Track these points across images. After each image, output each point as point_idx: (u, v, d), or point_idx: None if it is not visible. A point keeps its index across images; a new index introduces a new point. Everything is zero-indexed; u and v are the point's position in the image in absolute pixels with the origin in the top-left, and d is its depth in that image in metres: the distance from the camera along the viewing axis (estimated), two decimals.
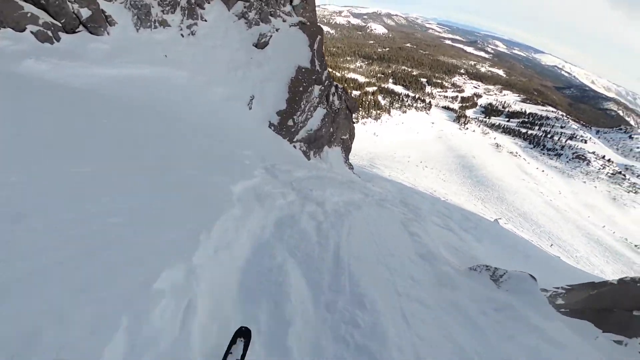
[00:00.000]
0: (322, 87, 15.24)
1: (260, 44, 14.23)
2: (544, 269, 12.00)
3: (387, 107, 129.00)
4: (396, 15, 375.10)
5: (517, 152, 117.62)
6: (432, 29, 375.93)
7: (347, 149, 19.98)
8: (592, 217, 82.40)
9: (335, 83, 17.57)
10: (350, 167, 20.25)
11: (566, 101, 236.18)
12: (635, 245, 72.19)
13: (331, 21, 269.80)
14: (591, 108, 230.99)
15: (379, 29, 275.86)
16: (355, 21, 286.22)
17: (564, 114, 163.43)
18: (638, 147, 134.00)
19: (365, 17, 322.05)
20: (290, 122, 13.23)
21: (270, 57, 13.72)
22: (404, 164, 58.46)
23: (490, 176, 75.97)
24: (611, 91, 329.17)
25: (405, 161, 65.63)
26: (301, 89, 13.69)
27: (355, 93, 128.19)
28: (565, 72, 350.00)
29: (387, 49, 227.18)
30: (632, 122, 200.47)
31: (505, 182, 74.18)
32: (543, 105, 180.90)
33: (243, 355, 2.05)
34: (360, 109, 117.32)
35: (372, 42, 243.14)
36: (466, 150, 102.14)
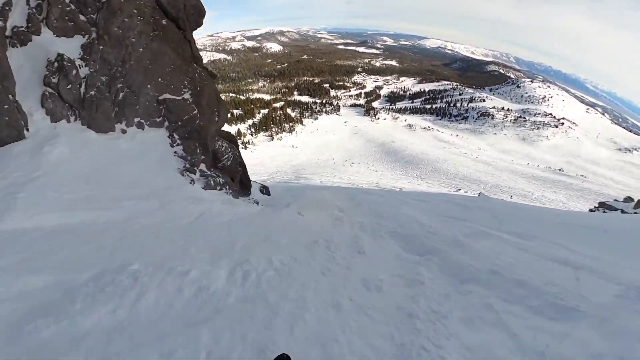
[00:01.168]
0: None
1: None
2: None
3: (298, 117, 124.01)
4: (288, 31, 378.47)
5: (429, 127, 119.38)
6: (324, 37, 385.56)
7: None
8: (514, 160, 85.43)
9: None
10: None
11: (456, 74, 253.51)
12: (559, 169, 77.93)
13: (226, 48, 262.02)
14: (477, 74, 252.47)
15: (274, 47, 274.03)
16: (250, 44, 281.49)
17: (458, 84, 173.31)
18: (526, 93, 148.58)
19: (259, 38, 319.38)
20: None
21: None
22: (332, 167, 52.85)
23: (414, 154, 73.87)
24: (489, 57, 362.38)
25: (331, 164, 60.03)
26: None
27: (264, 111, 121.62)
28: (448, 50, 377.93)
29: (286, 64, 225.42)
30: (512, 76, 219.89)
31: (431, 154, 72.62)
32: (438, 81, 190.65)
33: None
34: (273, 125, 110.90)
35: (270, 60, 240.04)
36: (383, 138, 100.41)
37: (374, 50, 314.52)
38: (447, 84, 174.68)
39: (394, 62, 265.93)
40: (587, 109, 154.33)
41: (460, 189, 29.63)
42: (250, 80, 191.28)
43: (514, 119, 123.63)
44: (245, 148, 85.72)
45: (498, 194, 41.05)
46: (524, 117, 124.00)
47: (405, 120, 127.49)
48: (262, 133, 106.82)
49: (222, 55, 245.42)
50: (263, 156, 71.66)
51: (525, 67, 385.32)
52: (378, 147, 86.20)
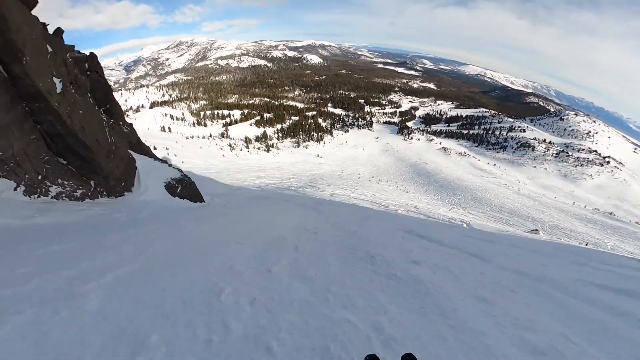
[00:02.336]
0: None
1: None
2: None
3: (329, 128, 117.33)
4: (330, 45, 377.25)
5: (465, 152, 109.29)
6: (364, 55, 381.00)
7: None
8: (557, 197, 74.73)
9: None
10: None
11: (494, 102, 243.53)
12: (610, 213, 66.02)
13: (268, 55, 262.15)
14: (516, 104, 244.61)
15: (314, 59, 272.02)
16: (291, 53, 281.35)
17: (496, 112, 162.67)
18: (570, 126, 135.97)
19: (301, 49, 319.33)
20: None
21: None
22: (355, 181, 45.45)
23: (450, 178, 64.83)
24: (528, 87, 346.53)
25: (355, 178, 52.58)
26: None
27: (295, 118, 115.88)
28: (488, 78, 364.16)
29: (324, 76, 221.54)
30: (551, 109, 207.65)
31: (468, 181, 63.42)
32: (476, 107, 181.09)
33: None
34: (301, 132, 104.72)
35: (308, 71, 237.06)
36: (416, 158, 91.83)
37: (412, 72, 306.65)
38: (485, 111, 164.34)
39: (431, 85, 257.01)
40: (635, 148, 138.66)
41: (537, 230, 21.60)
42: (287, 87, 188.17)
43: (556, 153, 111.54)
44: (268, 151, 79.97)
45: (563, 238, 31.91)
46: (567, 152, 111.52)
47: (440, 143, 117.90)
48: (289, 139, 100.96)
49: (263, 62, 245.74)
50: (284, 161, 65.42)
51: (566, 101, 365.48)
52: (409, 167, 77.90)
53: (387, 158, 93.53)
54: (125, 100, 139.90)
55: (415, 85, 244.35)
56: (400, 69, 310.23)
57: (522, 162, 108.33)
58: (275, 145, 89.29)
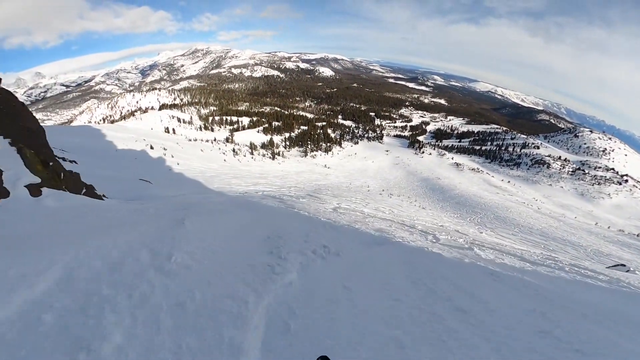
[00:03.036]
0: None
1: None
2: None
3: (338, 139, 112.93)
4: (342, 59, 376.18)
5: (478, 169, 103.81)
6: (376, 69, 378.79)
7: None
8: (577, 217, 68.87)
9: None
10: None
11: (505, 119, 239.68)
12: (637, 235, 59.83)
13: (281, 66, 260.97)
14: (527, 121, 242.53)
15: (326, 71, 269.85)
16: (304, 65, 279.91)
17: (508, 129, 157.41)
18: (585, 144, 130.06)
19: (313, 62, 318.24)
20: None
21: None
22: (364, 194, 40.48)
23: (466, 195, 59.43)
24: (539, 105, 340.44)
25: (365, 190, 47.70)
26: None
27: (304, 128, 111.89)
28: (499, 95, 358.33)
29: (335, 89, 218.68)
30: (563, 127, 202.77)
31: (485, 198, 58.05)
32: (487, 124, 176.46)
33: None
34: (310, 142, 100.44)
35: (320, 84, 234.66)
36: (427, 173, 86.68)
37: (423, 87, 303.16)
38: (497, 128, 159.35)
39: (442, 101, 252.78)
40: None
41: (628, 267, 16.36)
42: (298, 98, 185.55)
43: (572, 171, 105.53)
44: (274, 159, 75.62)
45: (617, 268, 26.37)
46: (583, 170, 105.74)
47: (452, 158, 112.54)
48: (296, 148, 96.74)
49: (276, 72, 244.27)
50: (289, 170, 60.95)
51: (577, 119, 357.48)
52: (421, 182, 72.72)
53: (397, 172, 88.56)
54: (137, 102, 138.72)
55: (426, 101, 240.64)
56: (411, 84, 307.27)
57: (536, 179, 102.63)
58: (281, 153, 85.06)
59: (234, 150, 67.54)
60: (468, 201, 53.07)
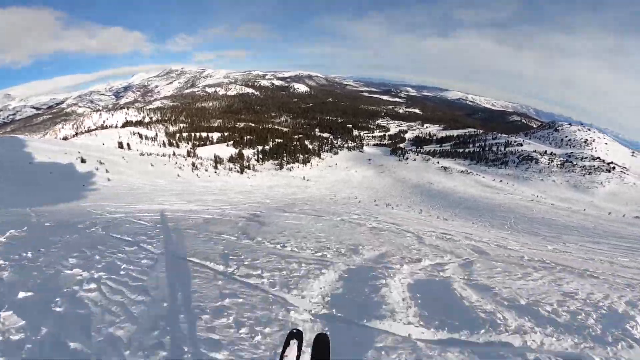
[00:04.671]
0: None
1: None
2: None
3: (316, 150, 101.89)
4: (317, 76, 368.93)
5: (467, 170, 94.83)
6: (350, 84, 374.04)
7: None
8: (587, 210, 59.67)
9: None
10: None
11: (478, 123, 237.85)
12: None
13: (256, 84, 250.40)
14: (500, 124, 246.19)
15: (301, 87, 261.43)
16: (279, 83, 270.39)
17: (485, 132, 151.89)
18: (566, 136, 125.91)
19: (288, 79, 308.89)
20: None
21: None
22: (356, 206, 28.87)
23: (471, 198, 49.55)
24: (509, 108, 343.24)
25: (355, 202, 35.98)
26: None
27: (279, 140, 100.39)
28: (469, 101, 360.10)
29: (311, 104, 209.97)
30: (534, 126, 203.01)
31: (491, 199, 48.64)
32: (464, 128, 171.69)
33: (298, 357, 1.93)
34: (285, 154, 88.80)
35: (295, 100, 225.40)
36: (417, 179, 76.88)
37: (397, 99, 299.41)
38: (475, 131, 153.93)
39: (417, 110, 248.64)
40: (633, 152, 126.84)
41: None
42: (273, 114, 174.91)
43: (561, 164, 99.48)
44: (242, 172, 63.53)
45: None
46: (571, 162, 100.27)
47: (438, 162, 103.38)
48: (270, 161, 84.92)
49: (250, 90, 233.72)
50: (259, 184, 49.54)
51: (546, 118, 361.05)
52: (414, 188, 62.47)
53: (384, 180, 78.03)
54: (104, 121, 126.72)
55: (401, 111, 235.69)
56: (385, 97, 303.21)
57: (527, 176, 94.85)
58: (252, 167, 73.03)
59: (193, 164, 55.14)
60: (478, 205, 42.46)
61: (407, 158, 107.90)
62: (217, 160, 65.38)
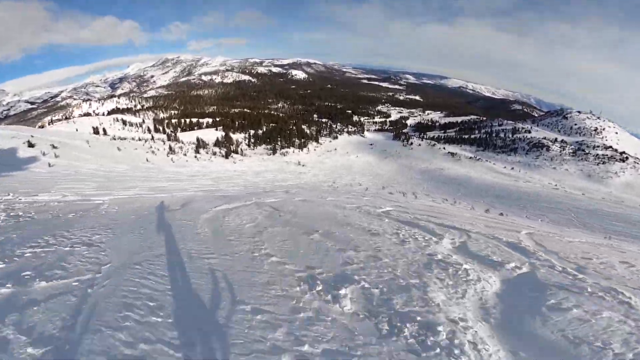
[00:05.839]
0: None
1: None
2: None
3: (314, 134, 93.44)
4: (315, 63, 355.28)
5: (475, 157, 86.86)
6: (349, 72, 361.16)
7: None
8: (604, 198, 52.22)
9: None
10: None
11: (480, 111, 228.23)
12: None
13: (253, 71, 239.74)
14: (502, 111, 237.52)
15: (299, 74, 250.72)
16: (276, 69, 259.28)
17: (488, 118, 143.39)
18: (575, 124, 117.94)
19: (286, 66, 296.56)
20: None
21: None
22: (362, 193, 21.19)
23: (490, 185, 43.01)
24: (510, 97, 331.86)
25: (361, 189, 28.61)
26: None
27: (274, 125, 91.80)
28: (470, 90, 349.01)
29: (309, 90, 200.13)
30: (536, 115, 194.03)
31: (516, 186, 42.44)
32: (467, 115, 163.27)
33: None
34: (280, 138, 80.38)
35: (293, 86, 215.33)
36: (424, 164, 69.26)
37: (397, 86, 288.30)
38: (478, 117, 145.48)
39: (417, 97, 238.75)
40: None
41: None
42: (270, 100, 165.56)
43: (573, 152, 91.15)
44: (227, 157, 55.55)
45: None
46: (584, 150, 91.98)
47: (444, 148, 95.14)
48: (263, 146, 76.78)
49: (247, 77, 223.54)
50: (245, 170, 41.97)
51: (546, 108, 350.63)
52: (422, 175, 55.13)
53: (388, 166, 70.17)
54: (94, 110, 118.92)
55: (401, 98, 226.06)
56: (385, 84, 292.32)
57: (538, 164, 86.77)
58: (241, 151, 64.94)
59: (171, 148, 47.04)
60: (510, 194, 34.77)
61: (411, 143, 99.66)
62: (200, 144, 57.21)
